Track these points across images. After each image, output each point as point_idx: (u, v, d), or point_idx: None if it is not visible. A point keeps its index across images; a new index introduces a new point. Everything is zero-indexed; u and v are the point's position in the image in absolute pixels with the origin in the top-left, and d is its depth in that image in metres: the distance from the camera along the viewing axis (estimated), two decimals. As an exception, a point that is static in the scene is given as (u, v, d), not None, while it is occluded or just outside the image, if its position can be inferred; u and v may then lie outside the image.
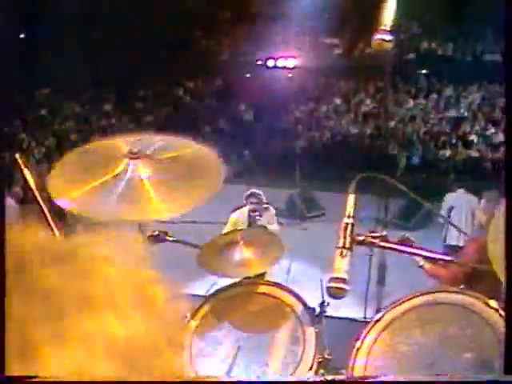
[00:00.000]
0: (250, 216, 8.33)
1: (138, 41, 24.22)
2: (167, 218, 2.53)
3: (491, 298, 2.39)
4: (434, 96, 24.69)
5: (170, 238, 3.19)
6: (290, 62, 25.07)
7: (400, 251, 2.50)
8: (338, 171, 18.58)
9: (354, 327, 2.99)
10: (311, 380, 2.78)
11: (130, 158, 2.53)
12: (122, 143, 2.66)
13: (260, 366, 2.78)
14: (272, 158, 21.45)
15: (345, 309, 3.28)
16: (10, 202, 8.47)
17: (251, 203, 8.32)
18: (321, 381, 2.68)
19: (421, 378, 2.24)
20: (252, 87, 24.86)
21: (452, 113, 23.59)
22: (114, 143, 2.68)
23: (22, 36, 26.15)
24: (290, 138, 21.98)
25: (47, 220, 2.83)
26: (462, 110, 23.56)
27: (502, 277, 1.83)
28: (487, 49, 25.08)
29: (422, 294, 2.55)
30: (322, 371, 2.96)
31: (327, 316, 3.34)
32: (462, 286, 2.66)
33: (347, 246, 2.31)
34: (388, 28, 2.32)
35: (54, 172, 2.65)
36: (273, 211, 8.75)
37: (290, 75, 25.35)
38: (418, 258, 3.89)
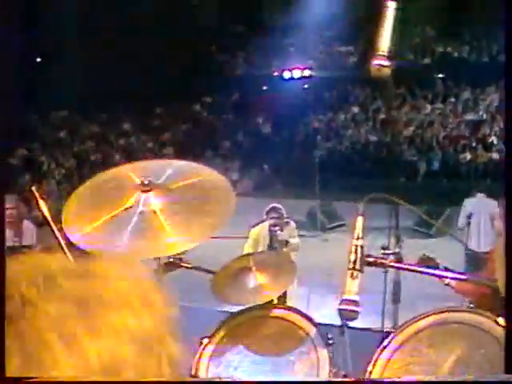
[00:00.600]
0: (270, 231, 8.32)
1: (153, 58, 24.44)
2: (181, 250, 2.54)
3: (499, 316, 2.40)
4: (452, 100, 24.61)
5: (185, 265, 3.22)
6: (306, 73, 25.14)
7: (411, 271, 2.52)
8: (358, 180, 18.60)
9: (372, 337, 3.00)
10: (312, 380, 2.80)
11: (142, 191, 2.56)
12: (133, 173, 2.68)
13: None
14: (291, 169, 21.48)
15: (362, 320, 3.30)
16: (28, 225, 8.53)
17: (272, 218, 8.28)
18: (322, 381, 2.70)
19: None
20: (269, 100, 24.95)
21: (470, 116, 23.48)
22: (125, 174, 2.71)
23: (38, 60, 26.50)
24: (309, 148, 21.99)
25: (64, 252, 2.88)
26: (480, 113, 23.45)
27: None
28: (503, 49, 24.91)
29: (433, 314, 2.56)
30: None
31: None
32: (471, 305, 2.67)
33: (357, 267, 2.34)
34: (386, 54, 2.35)
35: (67, 206, 2.68)
36: (293, 225, 8.73)
37: (307, 86, 25.40)
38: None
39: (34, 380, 0.83)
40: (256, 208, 9.76)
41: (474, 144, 21.77)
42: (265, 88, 26.37)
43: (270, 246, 8.28)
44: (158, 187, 2.58)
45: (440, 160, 21.65)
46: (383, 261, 2.44)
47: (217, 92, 26.84)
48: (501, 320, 2.38)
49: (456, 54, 26.48)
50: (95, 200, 2.70)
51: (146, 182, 2.57)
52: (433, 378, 2.30)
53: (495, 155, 20.88)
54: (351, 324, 3.42)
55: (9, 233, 7.62)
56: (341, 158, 22.72)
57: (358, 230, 2.43)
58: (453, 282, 3.66)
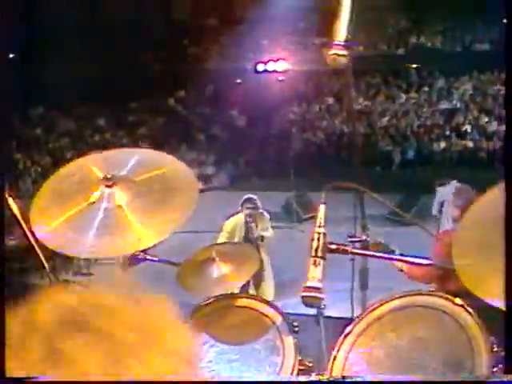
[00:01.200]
0: (246, 222, 8.44)
1: (127, 53, 24.35)
2: (149, 246, 2.54)
3: (456, 296, 2.45)
4: (426, 89, 24.76)
5: (150, 258, 3.25)
6: (280, 65, 25.09)
7: (372, 257, 2.56)
8: (333, 171, 18.68)
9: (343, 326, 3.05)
10: (313, 380, 2.83)
11: (106, 186, 2.54)
12: (95, 166, 2.66)
13: (241, 377, 2.86)
14: (267, 161, 21.52)
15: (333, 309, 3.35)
16: None
17: (247, 208, 8.45)
18: (320, 381, 2.73)
19: (419, 378, 2.30)
20: (243, 92, 24.92)
21: (444, 105, 23.66)
22: (87, 167, 2.69)
23: (10, 56, 26.18)
24: (284, 140, 22.02)
25: (35, 251, 2.88)
26: (454, 102, 23.63)
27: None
28: (476, 39, 25.18)
29: (395, 298, 2.61)
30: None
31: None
32: (432, 288, 2.72)
33: (320, 254, 2.37)
34: (342, 43, 2.37)
35: (33, 204, 2.67)
36: (267, 217, 8.83)
37: (281, 78, 25.37)
38: (396, 263, 3.80)
39: (34, 380, 0.84)
40: (232, 201, 9.81)
41: (448, 132, 21.94)
42: (239, 81, 26.33)
43: (246, 238, 8.37)
44: (121, 180, 2.56)
45: (415, 149, 21.78)
46: (345, 248, 2.47)
47: (191, 86, 26.77)
48: (458, 300, 2.44)
49: (429, 44, 26.63)
50: (59, 196, 2.68)
51: (109, 176, 2.55)
52: (431, 378, 2.34)
53: (469, 143, 21.05)
54: (325, 313, 3.47)
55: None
56: (316, 149, 22.80)
57: (321, 218, 2.48)
58: (405, 267, 3.71)
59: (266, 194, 13.28)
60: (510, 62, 2.38)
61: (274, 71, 25.14)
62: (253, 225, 8.33)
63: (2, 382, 0.85)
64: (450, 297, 2.47)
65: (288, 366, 2.80)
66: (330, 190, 2.56)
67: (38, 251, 2.85)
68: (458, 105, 23.35)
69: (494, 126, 20.80)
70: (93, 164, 2.73)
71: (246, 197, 8.67)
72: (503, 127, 18.34)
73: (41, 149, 23.81)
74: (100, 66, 23.42)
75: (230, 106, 25.62)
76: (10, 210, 3.07)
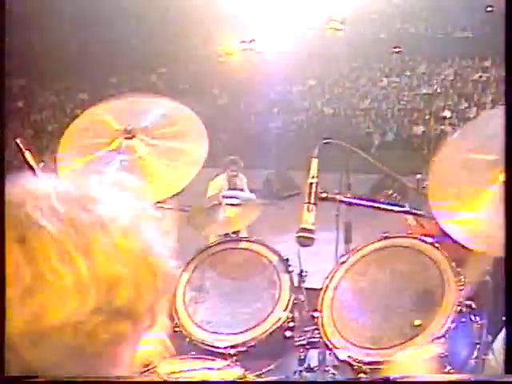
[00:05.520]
0: (229, 181, 9.14)
1: (111, 29, 24.31)
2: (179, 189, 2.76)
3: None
4: (408, 73, 25.07)
5: (162, 206, 3.56)
6: (263, 45, 25.18)
7: (362, 205, 2.90)
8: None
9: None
10: (313, 380, 3.19)
11: (125, 138, 2.78)
12: (112, 118, 2.86)
13: (243, 308, 3.23)
14: (248, 140, 21.74)
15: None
16: None
17: (232, 170, 9.21)
18: (322, 381, 3.06)
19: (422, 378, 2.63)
20: (225, 71, 25.03)
21: (425, 89, 23.98)
22: (105, 119, 2.87)
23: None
24: (265, 120, 22.25)
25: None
26: (435, 87, 23.95)
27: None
28: (458, 25, 25.50)
29: (380, 240, 2.98)
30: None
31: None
32: (410, 232, 3.08)
33: (312, 201, 2.73)
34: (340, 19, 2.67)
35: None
36: (245, 179, 9.56)
37: (264, 57, 25.48)
38: (408, 218, 3.85)
39: (34, 380, 0.87)
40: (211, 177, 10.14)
41: (427, 117, 22.28)
42: (221, 59, 26.41)
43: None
44: (140, 133, 2.78)
45: (394, 132, 22.14)
46: (334, 196, 2.83)
47: (173, 63, 26.78)
48: (428, 239, 2.82)
49: (412, 30, 26.89)
50: (77, 151, 2.86)
51: (129, 129, 2.78)
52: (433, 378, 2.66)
53: (448, 128, 21.40)
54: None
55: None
56: (297, 130, 23.04)
57: (313, 171, 2.83)
58: (414, 222, 3.92)
59: (245, 171, 13.52)
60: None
61: (257, 50, 25.28)
62: (237, 180, 8.91)
63: (1, 381, 0.87)
64: (422, 237, 2.86)
65: (284, 298, 3.18)
66: (322, 145, 2.89)
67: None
68: (439, 90, 23.69)
69: (473, 112, 21.20)
70: (106, 115, 2.90)
71: (230, 158, 9.51)
72: (482, 113, 18.70)
73: (22, 121, 23.78)
74: (82, 40, 23.34)
75: (211, 84, 25.71)
76: (28, 162, 3.32)
